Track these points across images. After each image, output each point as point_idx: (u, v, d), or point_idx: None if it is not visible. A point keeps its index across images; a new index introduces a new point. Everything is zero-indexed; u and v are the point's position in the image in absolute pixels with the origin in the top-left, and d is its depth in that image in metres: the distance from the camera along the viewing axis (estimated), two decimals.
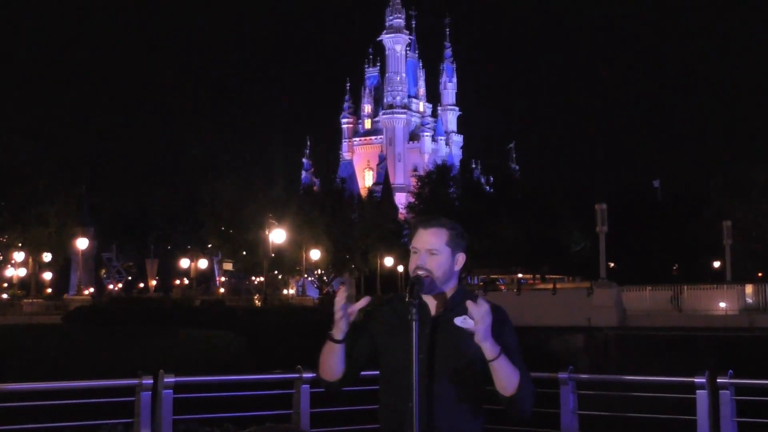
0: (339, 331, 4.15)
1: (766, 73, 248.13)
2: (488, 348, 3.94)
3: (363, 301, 4.17)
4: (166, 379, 7.26)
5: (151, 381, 7.21)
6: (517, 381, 4.01)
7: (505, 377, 3.99)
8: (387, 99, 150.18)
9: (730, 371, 7.20)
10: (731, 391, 7.16)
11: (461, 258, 4.29)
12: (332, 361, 4.22)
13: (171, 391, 7.27)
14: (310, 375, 7.68)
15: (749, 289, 43.29)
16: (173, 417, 7.30)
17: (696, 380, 7.17)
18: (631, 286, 46.04)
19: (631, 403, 8.40)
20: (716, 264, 69.44)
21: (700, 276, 62.49)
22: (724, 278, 50.31)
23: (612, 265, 63.16)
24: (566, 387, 7.70)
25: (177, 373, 7.47)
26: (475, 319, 3.90)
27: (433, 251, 4.19)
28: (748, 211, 63.08)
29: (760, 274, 63.16)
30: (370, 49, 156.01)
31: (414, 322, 3.93)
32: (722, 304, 42.65)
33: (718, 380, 7.16)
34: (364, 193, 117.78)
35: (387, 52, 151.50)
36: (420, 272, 4.15)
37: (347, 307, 4.11)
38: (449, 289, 4.24)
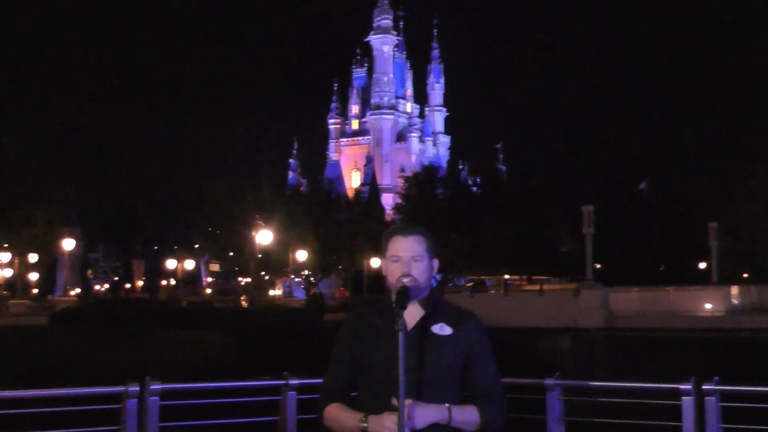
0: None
1: (754, 75, 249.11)
2: (438, 420, 4.04)
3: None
4: (152, 386, 7.25)
5: (138, 388, 7.19)
6: (477, 418, 4.13)
7: (465, 425, 4.13)
8: (374, 100, 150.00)
9: (716, 378, 7.23)
10: (717, 397, 7.19)
11: (436, 264, 4.32)
12: (343, 429, 4.18)
13: (157, 398, 7.26)
14: (296, 382, 7.68)
15: (735, 290, 43.54)
16: (159, 424, 7.29)
17: (682, 387, 7.20)
18: (618, 287, 46.19)
19: (617, 409, 8.42)
20: (702, 265, 69.66)
21: (687, 277, 62.68)
22: (711, 279, 50.51)
23: (599, 266, 63.28)
24: (552, 393, 7.72)
25: (164, 377, 7.45)
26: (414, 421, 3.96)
27: (416, 258, 4.19)
28: (735, 212, 63.30)
29: (745, 276, 63.41)
30: (358, 50, 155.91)
31: (401, 333, 3.93)
32: (708, 306, 42.81)
33: (703, 387, 7.19)
34: (351, 193, 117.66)
35: (374, 53, 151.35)
36: (406, 280, 4.14)
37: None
38: (424, 296, 4.24)
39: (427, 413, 3.98)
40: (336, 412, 4.20)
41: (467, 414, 4.10)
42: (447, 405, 4.05)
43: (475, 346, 4.19)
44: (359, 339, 4.20)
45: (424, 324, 4.16)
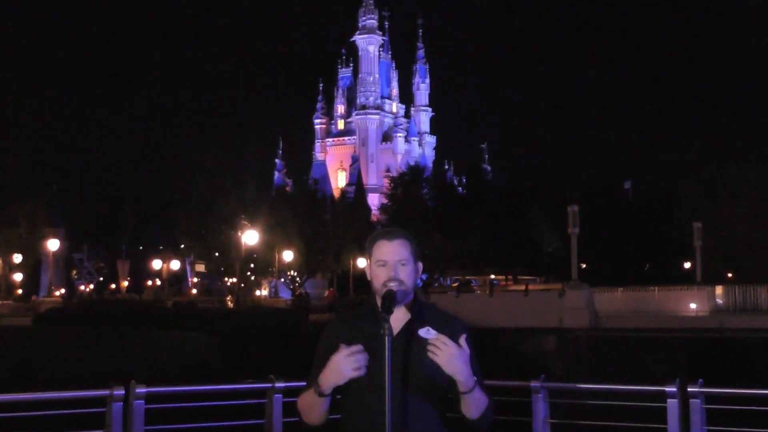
0: (329, 386, 4.04)
1: (737, 75, 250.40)
2: (462, 382, 3.98)
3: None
4: (137, 390, 7.22)
5: (123, 392, 7.16)
6: (485, 404, 4.09)
7: (474, 405, 4.06)
8: (360, 100, 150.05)
9: (700, 380, 7.26)
10: (701, 399, 7.22)
11: (420, 267, 4.30)
12: (319, 412, 4.11)
13: (143, 401, 7.23)
14: (282, 384, 7.67)
15: (719, 290, 43.60)
16: (145, 428, 7.27)
17: (667, 389, 7.22)
18: (602, 288, 46.26)
19: (603, 411, 8.44)
20: (687, 265, 69.87)
21: (671, 277, 62.84)
22: (695, 279, 50.63)
23: (584, 266, 63.42)
24: (538, 396, 7.71)
25: (149, 379, 7.43)
26: (442, 360, 3.93)
27: (402, 262, 4.17)
28: (719, 212, 63.54)
29: (730, 275, 63.62)
30: (343, 50, 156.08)
31: (387, 337, 3.92)
32: (692, 305, 42.93)
33: (688, 389, 7.21)
34: (336, 194, 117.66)
35: (360, 53, 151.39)
36: (393, 284, 4.12)
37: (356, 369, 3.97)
38: (409, 300, 4.23)
39: (464, 366, 3.95)
40: (303, 399, 4.15)
41: (483, 397, 4.07)
42: (476, 378, 4.02)
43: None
44: (344, 343, 4.12)
45: (409, 328, 4.14)
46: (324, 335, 4.29)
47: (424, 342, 4.09)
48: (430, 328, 4.14)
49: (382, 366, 3.92)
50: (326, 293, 61.58)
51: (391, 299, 4.04)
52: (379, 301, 4.14)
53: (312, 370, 4.26)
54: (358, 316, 4.23)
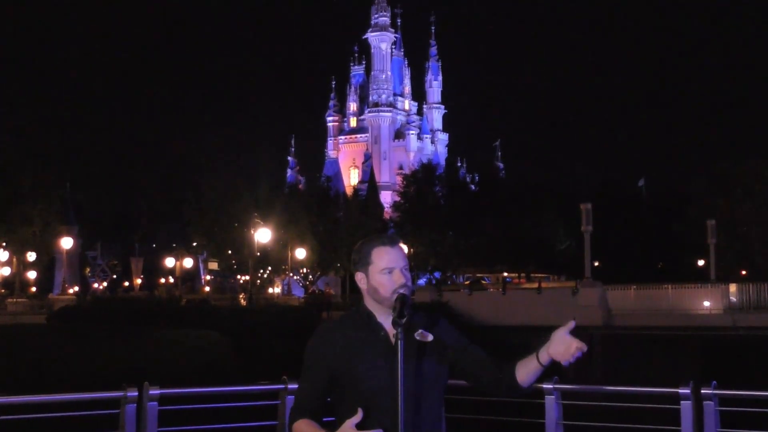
0: None
1: (749, 73, 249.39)
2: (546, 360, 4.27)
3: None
4: (151, 391, 7.24)
5: (136, 393, 7.18)
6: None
7: (535, 375, 4.30)
8: (372, 97, 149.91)
9: (714, 382, 7.24)
10: (715, 401, 7.20)
11: None
12: None
13: (156, 403, 7.25)
14: (294, 386, 7.67)
15: (733, 288, 43.54)
16: (158, 429, 7.29)
17: (680, 391, 7.19)
18: (616, 285, 46.23)
19: (616, 413, 8.42)
20: (700, 263, 69.73)
21: (685, 275, 62.71)
22: (709, 277, 50.51)
23: (597, 263, 63.36)
24: (551, 397, 7.69)
25: (162, 379, 7.44)
26: (563, 355, 4.21)
27: (406, 266, 4.20)
28: (732, 209, 63.38)
29: (744, 273, 63.48)
30: (356, 47, 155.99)
31: (400, 341, 3.92)
32: (706, 303, 42.85)
33: (702, 391, 7.19)
34: (349, 191, 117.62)
35: (372, 50, 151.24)
36: (404, 290, 4.11)
37: None
38: None
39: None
40: (303, 429, 4.09)
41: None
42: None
43: (459, 341, 4.24)
44: (340, 354, 4.08)
45: (406, 332, 4.06)
46: (313, 346, 4.21)
47: (426, 345, 4.11)
48: (423, 331, 4.14)
49: (384, 371, 3.96)
50: (326, 291, 61.05)
51: (404, 303, 4.02)
52: (375, 309, 4.16)
53: (301, 382, 4.21)
54: (350, 324, 4.19)
